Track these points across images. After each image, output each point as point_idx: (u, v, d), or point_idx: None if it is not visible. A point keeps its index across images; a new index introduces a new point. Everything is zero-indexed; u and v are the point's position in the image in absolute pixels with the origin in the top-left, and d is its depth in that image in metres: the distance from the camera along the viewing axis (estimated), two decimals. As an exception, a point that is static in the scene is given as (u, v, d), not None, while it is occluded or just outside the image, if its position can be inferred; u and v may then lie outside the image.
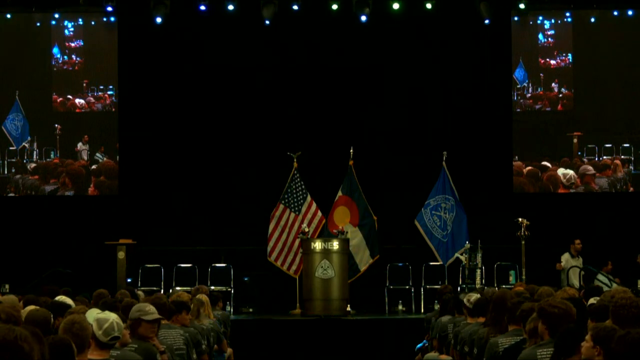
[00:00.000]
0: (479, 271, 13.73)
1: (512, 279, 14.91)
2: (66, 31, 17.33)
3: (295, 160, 15.32)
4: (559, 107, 17.31)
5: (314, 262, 13.97)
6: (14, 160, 17.19)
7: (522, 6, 16.79)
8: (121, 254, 14.64)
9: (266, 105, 17.03)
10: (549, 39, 17.36)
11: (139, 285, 15.37)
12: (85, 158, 17.19)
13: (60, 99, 17.27)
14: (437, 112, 17.03)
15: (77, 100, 17.27)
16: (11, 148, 17.18)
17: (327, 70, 17.00)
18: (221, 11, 16.60)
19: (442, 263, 15.20)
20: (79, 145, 17.21)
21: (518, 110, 17.28)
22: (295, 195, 15.24)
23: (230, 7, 16.49)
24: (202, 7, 16.54)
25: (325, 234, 14.99)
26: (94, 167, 17.18)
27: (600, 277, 15.31)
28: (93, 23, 17.35)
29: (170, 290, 14.37)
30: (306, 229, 14.57)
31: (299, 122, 16.83)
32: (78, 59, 17.33)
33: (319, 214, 15.19)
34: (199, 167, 16.99)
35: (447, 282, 14.74)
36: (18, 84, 17.20)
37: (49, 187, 17.16)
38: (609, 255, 15.70)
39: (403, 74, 17.03)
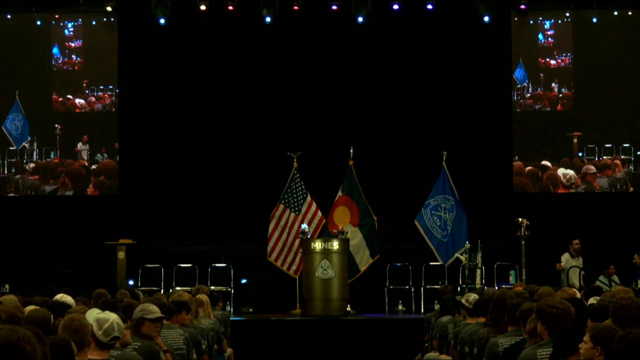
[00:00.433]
0: (479, 271, 13.72)
1: (512, 279, 14.90)
2: (66, 31, 17.33)
3: (295, 160, 15.32)
4: (559, 107, 17.31)
5: (314, 262, 13.97)
6: (14, 160, 17.19)
7: (522, 6, 16.80)
8: (121, 254, 14.65)
9: (266, 105, 17.03)
10: (549, 39, 17.36)
11: (139, 285, 15.37)
12: (85, 158, 17.19)
13: (60, 99, 17.27)
14: (437, 112, 17.03)
15: (77, 100, 17.28)
16: (11, 148, 17.18)
17: (327, 70, 17.00)
18: (221, 11, 16.60)
19: (442, 263, 15.20)
20: (79, 145, 17.21)
21: (518, 110, 17.28)
22: (295, 195, 15.25)
23: (230, 7, 16.48)
24: (203, 7, 16.54)
25: (325, 234, 14.99)
26: (94, 167, 17.18)
27: (601, 277, 15.31)
28: (93, 23, 17.35)
29: (170, 290, 14.36)
30: (306, 229, 14.58)
31: (299, 122, 16.83)
32: (78, 59, 17.33)
33: (319, 214, 15.19)
34: (199, 167, 16.99)
35: (447, 282, 14.74)
36: (18, 84, 17.20)
37: (49, 187, 17.16)
38: (609, 256, 15.70)
39: (403, 74, 17.03)
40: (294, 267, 15.11)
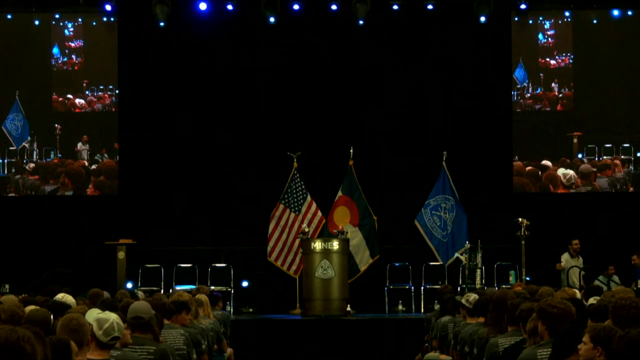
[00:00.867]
0: (479, 271, 13.72)
1: (512, 279, 14.90)
2: (66, 31, 17.33)
3: (295, 160, 15.33)
4: (559, 107, 17.31)
5: (314, 262, 13.97)
6: (13, 160, 17.19)
7: (522, 6, 16.79)
8: (121, 254, 14.66)
9: (266, 105, 17.03)
10: (549, 39, 17.36)
11: (139, 285, 15.37)
12: (85, 158, 17.19)
13: (60, 98, 17.27)
14: (437, 112, 17.03)
15: (77, 100, 17.28)
16: (11, 148, 17.18)
17: (327, 70, 17.00)
18: (221, 11, 16.60)
19: (442, 263, 15.21)
20: (79, 145, 17.21)
21: (518, 110, 17.27)
22: (295, 195, 15.25)
23: (230, 7, 16.48)
24: (203, 7, 16.54)
25: (325, 234, 15.00)
26: (94, 167, 17.18)
27: (600, 278, 15.32)
28: (93, 23, 17.36)
29: (170, 290, 14.37)
30: (306, 229, 14.58)
31: (299, 122, 16.83)
32: (78, 58, 17.33)
33: (319, 214, 15.20)
34: (199, 167, 16.99)
35: (447, 282, 14.75)
36: (18, 84, 17.20)
37: (48, 187, 17.16)
38: (609, 256, 15.70)
39: (403, 74, 17.03)
40: (294, 267, 15.12)
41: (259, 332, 13.66)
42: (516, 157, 17.16)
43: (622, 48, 17.15)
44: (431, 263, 15.63)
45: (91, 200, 17.14)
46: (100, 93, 17.30)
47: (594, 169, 17.11)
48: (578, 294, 8.60)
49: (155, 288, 15.24)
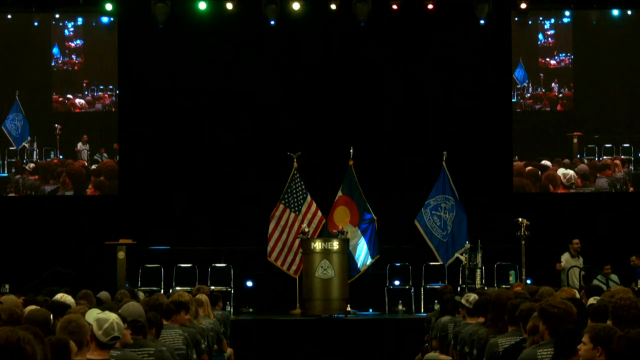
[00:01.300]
0: (479, 271, 13.72)
1: (512, 279, 14.90)
2: (66, 31, 17.34)
3: (295, 160, 15.33)
4: (559, 107, 17.31)
5: (314, 262, 13.97)
6: (13, 160, 17.20)
7: (522, 6, 16.79)
8: (121, 254, 14.65)
9: (266, 105, 17.03)
10: (549, 39, 17.36)
11: (139, 285, 15.37)
12: (85, 158, 17.19)
13: (60, 98, 17.27)
14: (437, 112, 17.03)
15: (77, 100, 17.28)
16: (11, 148, 17.18)
17: (327, 70, 17.00)
18: (221, 11, 16.59)
19: (442, 263, 15.21)
20: (79, 145, 17.21)
21: (518, 110, 17.28)
22: (295, 195, 15.25)
23: (230, 7, 16.48)
24: (202, 7, 16.53)
25: (325, 234, 15.00)
26: (94, 167, 17.18)
27: (599, 277, 15.32)
28: (93, 23, 17.36)
29: (170, 290, 14.37)
30: (306, 229, 14.58)
31: (299, 122, 16.83)
32: (78, 58, 17.33)
33: (319, 214, 15.20)
34: (199, 167, 16.99)
35: (447, 282, 14.75)
36: (18, 84, 17.20)
37: (49, 187, 17.16)
38: (609, 256, 15.70)
39: (403, 74, 17.03)
40: (294, 267, 15.12)
41: (259, 332, 13.67)
42: (516, 157, 17.16)
43: (622, 48, 17.15)
44: (431, 263, 15.63)
45: (91, 200, 17.15)
46: (100, 93, 17.30)
47: (594, 169, 17.11)
48: (577, 294, 8.59)
49: (155, 288, 15.24)
